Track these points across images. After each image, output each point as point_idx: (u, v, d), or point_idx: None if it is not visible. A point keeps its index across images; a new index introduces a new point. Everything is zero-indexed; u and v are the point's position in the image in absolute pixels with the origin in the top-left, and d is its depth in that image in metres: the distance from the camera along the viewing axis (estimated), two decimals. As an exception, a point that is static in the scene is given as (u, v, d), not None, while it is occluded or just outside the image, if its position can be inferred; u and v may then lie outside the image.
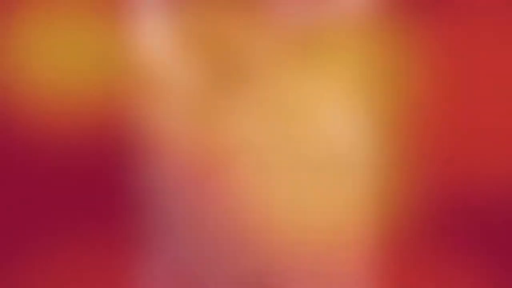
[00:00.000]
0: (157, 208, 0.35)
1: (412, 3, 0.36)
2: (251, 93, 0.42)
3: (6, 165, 0.30)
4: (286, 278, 0.31)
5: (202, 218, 0.35)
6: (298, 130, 0.40)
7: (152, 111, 0.39)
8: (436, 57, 0.34)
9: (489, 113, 0.31)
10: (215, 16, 0.40)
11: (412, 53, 0.35)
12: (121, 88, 0.34)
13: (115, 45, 0.34)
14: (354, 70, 0.37)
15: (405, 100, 0.34)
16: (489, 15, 0.34)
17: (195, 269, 0.32)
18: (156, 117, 0.38)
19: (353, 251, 0.31)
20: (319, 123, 0.41)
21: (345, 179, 0.36)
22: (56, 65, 0.33)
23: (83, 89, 0.33)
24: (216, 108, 0.41)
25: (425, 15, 0.35)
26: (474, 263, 0.29)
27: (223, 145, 0.38)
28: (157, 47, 0.41)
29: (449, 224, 0.29)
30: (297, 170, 0.37)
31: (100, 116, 0.33)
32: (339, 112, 0.40)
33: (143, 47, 0.39)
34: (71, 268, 0.30)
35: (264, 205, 0.36)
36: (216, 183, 0.37)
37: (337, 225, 0.34)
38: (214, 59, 0.42)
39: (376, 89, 0.35)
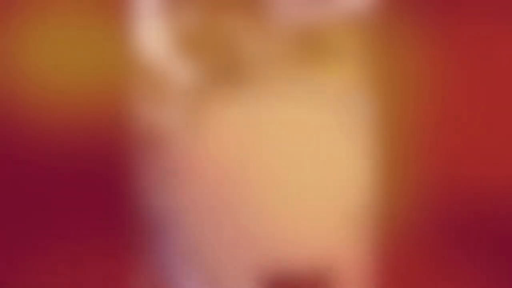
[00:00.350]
0: (156, 208, 0.35)
1: (415, 3, 0.36)
2: (252, 92, 0.41)
3: (6, 165, 0.30)
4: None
5: (200, 216, 0.35)
6: (298, 129, 0.40)
7: (152, 111, 0.39)
8: (439, 58, 0.34)
9: (492, 114, 0.31)
10: (215, 15, 0.40)
11: (414, 54, 0.35)
12: (121, 88, 0.34)
13: (115, 44, 0.34)
14: (355, 70, 0.37)
15: (407, 101, 0.34)
16: (492, 15, 0.34)
17: (193, 267, 0.32)
18: (156, 116, 0.38)
19: (355, 256, 0.31)
20: (319, 122, 0.41)
21: (345, 181, 0.36)
22: (56, 65, 0.33)
23: (83, 89, 0.33)
24: (215, 107, 0.41)
25: (427, 15, 0.35)
26: (475, 265, 0.29)
27: (222, 144, 0.38)
28: (157, 47, 0.41)
29: (451, 227, 0.29)
30: (296, 171, 0.37)
31: (100, 116, 0.33)
32: (339, 111, 0.40)
33: (142, 46, 0.39)
34: (72, 267, 0.30)
35: (265, 206, 0.36)
36: (214, 181, 0.37)
37: (338, 231, 0.34)
38: (214, 58, 0.42)
39: (378, 90, 0.35)
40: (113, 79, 0.34)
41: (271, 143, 0.39)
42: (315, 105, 0.41)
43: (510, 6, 0.34)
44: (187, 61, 0.43)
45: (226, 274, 0.33)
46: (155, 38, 0.41)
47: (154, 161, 0.36)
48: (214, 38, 0.41)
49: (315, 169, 0.38)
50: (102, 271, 0.30)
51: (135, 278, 0.31)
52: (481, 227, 0.30)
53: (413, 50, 0.35)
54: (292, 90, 0.42)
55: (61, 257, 0.30)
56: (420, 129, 0.33)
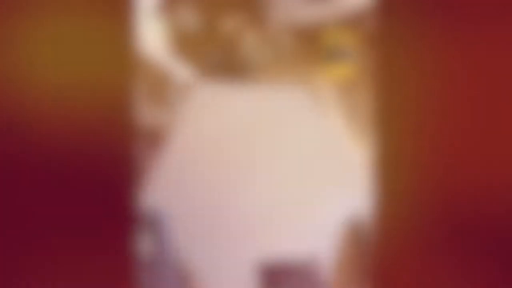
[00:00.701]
0: (156, 204, 0.36)
1: (414, 3, 0.36)
2: (251, 91, 0.42)
3: (6, 164, 0.30)
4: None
5: (200, 213, 0.35)
6: (297, 128, 0.40)
7: (152, 109, 0.39)
8: (440, 58, 0.34)
9: (494, 114, 0.31)
10: (215, 15, 0.40)
11: (415, 54, 0.35)
12: (122, 87, 0.34)
13: (115, 44, 0.34)
14: (355, 70, 0.37)
15: (408, 100, 0.34)
16: (492, 16, 0.34)
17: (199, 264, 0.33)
18: (156, 115, 0.38)
19: (356, 256, 0.32)
20: (318, 121, 0.41)
21: (343, 179, 0.36)
22: (56, 65, 0.33)
23: (83, 89, 0.33)
24: (215, 106, 0.41)
25: (428, 15, 0.35)
26: (475, 266, 0.29)
27: (222, 142, 0.38)
28: (157, 47, 0.41)
29: (450, 228, 0.29)
30: (296, 166, 0.37)
31: (100, 115, 0.33)
32: (339, 110, 0.40)
33: (143, 46, 0.39)
34: (70, 265, 0.30)
35: (262, 201, 0.36)
36: (213, 176, 0.37)
37: (334, 228, 0.34)
38: (214, 58, 0.42)
39: (378, 90, 0.35)
40: (113, 78, 0.34)
41: (271, 141, 0.39)
42: (315, 105, 0.41)
43: (510, 5, 0.34)
44: (187, 61, 0.43)
45: (227, 267, 0.33)
46: (155, 38, 0.41)
47: (154, 158, 0.36)
48: (214, 38, 0.41)
49: (314, 166, 0.38)
50: (101, 268, 0.30)
51: (135, 275, 0.31)
52: (481, 228, 0.30)
53: (414, 50, 0.35)
54: (292, 89, 0.42)
55: (61, 255, 0.30)
56: (420, 128, 0.33)
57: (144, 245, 0.33)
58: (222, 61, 0.45)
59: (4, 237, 0.30)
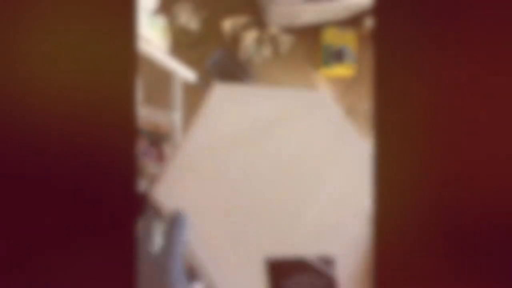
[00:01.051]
0: (158, 204, 0.35)
1: (413, 4, 0.36)
2: (252, 90, 0.41)
3: (6, 165, 0.30)
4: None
5: (207, 215, 0.35)
6: (299, 128, 0.40)
7: (152, 109, 0.39)
8: (439, 59, 0.34)
9: (498, 115, 0.31)
10: (215, 14, 0.40)
11: (413, 54, 0.35)
12: (121, 87, 0.34)
13: (115, 44, 0.34)
14: (355, 70, 0.37)
15: (406, 101, 0.34)
16: (490, 17, 0.34)
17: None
18: (156, 115, 0.38)
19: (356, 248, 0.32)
20: (320, 121, 0.41)
21: (347, 180, 0.36)
22: (56, 65, 0.33)
23: (83, 88, 0.33)
24: (216, 105, 0.41)
25: (426, 16, 0.35)
26: (477, 267, 0.29)
27: (224, 142, 0.38)
28: (157, 46, 0.41)
29: (453, 230, 0.29)
30: (297, 169, 0.37)
31: (100, 115, 0.33)
32: (340, 111, 0.40)
33: (142, 46, 0.39)
34: (73, 265, 0.30)
35: (263, 199, 0.36)
36: (214, 174, 0.37)
37: (342, 228, 0.34)
38: (214, 57, 0.42)
39: (377, 89, 0.35)
40: (113, 78, 0.34)
41: (271, 141, 0.39)
42: (316, 105, 0.42)
43: (509, 7, 0.34)
44: (187, 61, 0.43)
45: (239, 263, 0.33)
46: (155, 38, 0.42)
47: (156, 159, 0.36)
48: (214, 38, 0.41)
49: (316, 167, 0.38)
50: (102, 267, 0.30)
51: (135, 273, 0.31)
52: (479, 225, 0.30)
53: (413, 50, 0.35)
54: (293, 89, 0.42)
55: (62, 254, 0.30)
56: (419, 127, 0.33)
57: (146, 243, 0.33)
58: (222, 61, 0.45)
59: (4, 236, 0.30)
